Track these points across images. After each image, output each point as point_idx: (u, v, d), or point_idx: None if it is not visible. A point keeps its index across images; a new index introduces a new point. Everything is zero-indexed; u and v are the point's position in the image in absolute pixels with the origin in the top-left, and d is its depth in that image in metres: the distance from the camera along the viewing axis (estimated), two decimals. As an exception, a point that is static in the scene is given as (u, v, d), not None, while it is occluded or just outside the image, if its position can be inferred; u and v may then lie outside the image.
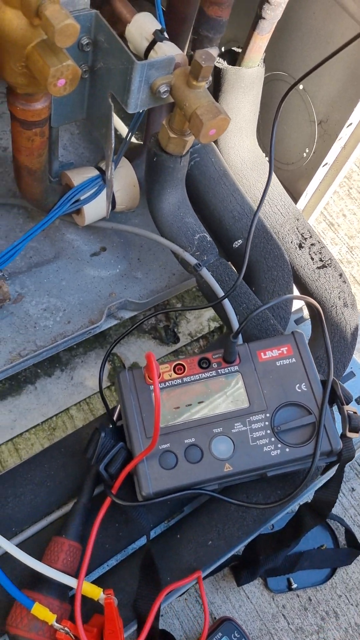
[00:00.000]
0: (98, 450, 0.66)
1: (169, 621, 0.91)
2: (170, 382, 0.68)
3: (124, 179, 0.91)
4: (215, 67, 0.88)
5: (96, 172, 0.86)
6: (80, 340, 0.92)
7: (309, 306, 0.86)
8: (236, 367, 0.68)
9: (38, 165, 0.76)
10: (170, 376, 0.68)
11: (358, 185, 1.53)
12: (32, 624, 0.60)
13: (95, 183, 0.85)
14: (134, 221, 1.02)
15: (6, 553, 0.64)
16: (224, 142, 0.94)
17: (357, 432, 0.67)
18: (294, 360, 0.68)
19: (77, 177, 0.85)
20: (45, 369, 0.97)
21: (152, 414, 0.65)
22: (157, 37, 0.71)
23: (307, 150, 1.01)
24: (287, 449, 0.64)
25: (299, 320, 1.01)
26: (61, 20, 0.49)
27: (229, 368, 0.68)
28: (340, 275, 0.89)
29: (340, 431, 0.67)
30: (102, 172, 0.86)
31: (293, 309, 0.93)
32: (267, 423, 0.65)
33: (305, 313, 1.02)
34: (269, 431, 0.65)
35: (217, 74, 0.89)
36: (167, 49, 0.72)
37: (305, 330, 0.96)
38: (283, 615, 0.95)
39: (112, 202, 0.91)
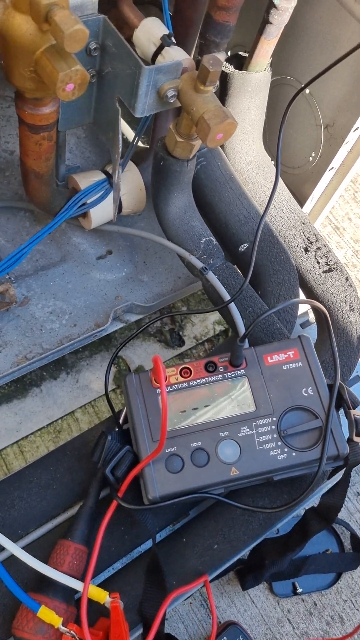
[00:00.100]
0: (104, 453, 0.66)
1: (174, 625, 0.91)
2: (176, 385, 0.68)
3: (131, 182, 0.92)
4: (222, 72, 0.88)
5: (103, 176, 0.86)
6: (86, 343, 0.93)
7: (315, 310, 0.86)
8: (243, 371, 0.68)
9: (45, 169, 0.76)
10: (177, 380, 0.68)
11: (363, 189, 1.53)
12: (38, 627, 0.60)
13: (101, 187, 0.85)
14: (140, 225, 1.02)
15: (12, 556, 0.64)
16: (230, 146, 0.94)
17: (364, 436, 0.67)
18: (300, 364, 0.68)
19: (84, 180, 0.85)
20: (51, 372, 0.97)
21: (158, 417, 0.65)
22: (164, 42, 0.72)
23: (313, 154, 1.01)
24: (294, 453, 0.64)
25: (305, 324, 1.01)
26: (70, 25, 0.49)
27: (236, 372, 0.68)
28: (347, 279, 0.89)
29: (347, 435, 0.67)
30: (109, 176, 0.86)
31: (299, 313, 0.93)
32: (273, 427, 0.65)
33: (311, 317, 1.02)
34: (275, 435, 0.65)
35: (224, 78, 0.89)
36: (174, 54, 0.72)
37: (311, 334, 0.96)
38: (288, 619, 0.94)
39: (119, 205, 0.91)
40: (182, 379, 0.68)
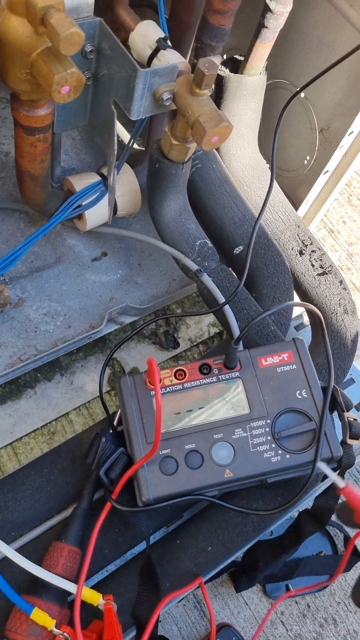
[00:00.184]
0: (98, 455, 0.66)
1: (167, 627, 0.91)
2: (171, 387, 0.68)
3: (126, 184, 0.92)
4: (218, 75, 0.88)
5: (98, 178, 0.86)
6: (81, 345, 0.93)
7: (310, 313, 0.87)
8: (237, 373, 0.68)
9: (40, 170, 0.76)
10: (171, 382, 0.68)
11: (358, 192, 1.54)
12: (31, 629, 0.60)
13: (97, 189, 0.85)
14: (135, 227, 1.02)
15: (6, 558, 0.64)
16: (225, 149, 0.95)
17: (357, 438, 0.67)
18: (294, 366, 0.69)
19: (79, 182, 0.85)
20: (45, 374, 0.97)
21: (152, 419, 0.65)
22: (160, 45, 0.72)
23: (308, 158, 1.01)
24: (288, 456, 0.65)
25: (299, 327, 1.01)
26: (66, 28, 0.49)
27: (230, 374, 0.68)
28: (341, 282, 0.89)
29: (340, 438, 0.67)
30: (104, 178, 0.86)
31: (293, 316, 0.93)
32: (267, 429, 0.66)
33: (306, 319, 1.02)
34: (269, 437, 0.65)
35: (220, 81, 0.89)
36: (170, 57, 0.72)
37: (306, 336, 0.97)
38: (281, 621, 0.94)
39: (114, 207, 0.91)
40: (177, 381, 0.68)
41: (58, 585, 0.62)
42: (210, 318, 1.08)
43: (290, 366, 0.69)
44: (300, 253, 0.91)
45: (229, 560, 0.73)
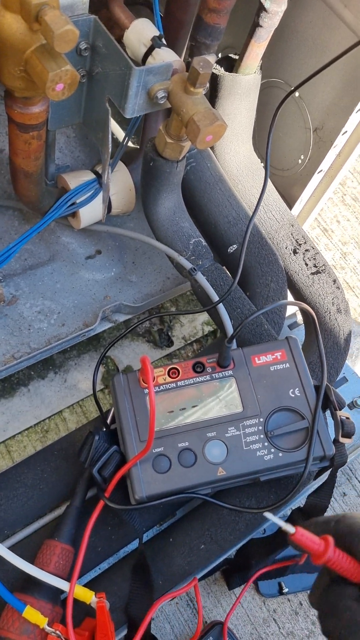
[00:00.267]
0: (92, 453, 0.66)
1: (160, 625, 0.91)
2: (164, 385, 0.68)
3: (120, 182, 0.92)
4: (212, 74, 0.88)
5: (92, 176, 0.86)
6: (75, 343, 0.93)
7: (303, 312, 0.87)
8: (230, 372, 0.68)
9: (34, 168, 0.76)
10: (165, 380, 0.68)
11: (352, 192, 1.54)
12: (23, 627, 0.60)
13: (91, 186, 0.85)
14: (130, 225, 1.02)
15: (-2, 556, 0.64)
16: (220, 148, 0.95)
17: (349, 437, 0.68)
18: (287, 365, 0.69)
19: (73, 180, 0.85)
20: (39, 372, 0.97)
21: (146, 417, 0.65)
22: (155, 43, 0.72)
23: (302, 157, 1.01)
24: (280, 454, 0.65)
25: (293, 326, 1.02)
26: (61, 25, 0.49)
27: (223, 372, 0.68)
28: (334, 281, 0.89)
29: (333, 436, 0.68)
30: (98, 176, 0.86)
31: (287, 314, 0.94)
32: (260, 428, 0.66)
33: (299, 318, 1.02)
34: (262, 436, 0.65)
35: (214, 80, 0.89)
36: (165, 55, 0.72)
37: (299, 335, 0.97)
38: (274, 619, 0.95)
39: (108, 205, 0.91)
40: (170, 380, 0.68)
41: (51, 583, 0.62)
42: (204, 316, 1.09)
43: (284, 365, 0.69)
44: (294, 252, 0.91)
45: (222, 558, 0.73)
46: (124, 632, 0.66)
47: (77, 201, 0.85)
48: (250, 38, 0.84)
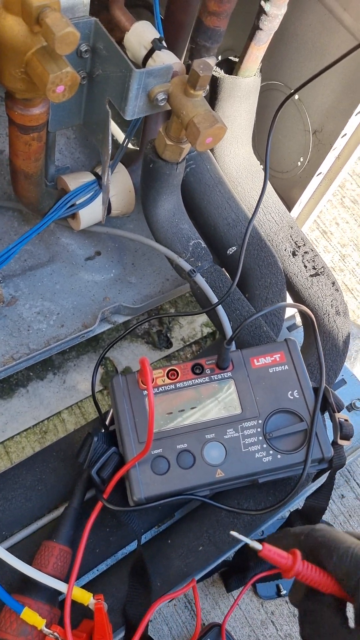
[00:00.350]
0: (90, 454, 0.66)
1: (158, 627, 0.91)
2: (163, 387, 0.68)
3: (120, 184, 0.92)
4: (212, 76, 0.88)
5: (92, 177, 0.86)
6: (74, 344, 0.93)
7: (302, 314, 0.87)
8: (229, 374, 0.68)
9: (34, 169, 0.76)
10: (164, 381, 0.68)
11: (351, 194, 1.55)
12: (21, 628, 0.60)
13: (91, 188, 0.85)
14: (129, 226, 1.02)
15: (-4, 557, 0.64)
16: (219, 150, 0.95)
17: (348, 439, 0.68)
18: (286, 367, 0.69)
19: (73, 181, 0.85)
20: (38, 372, 0.97)
21: (145, 419, 0.66)
22: (155, 46, 0.72)
23: (301, 160, 1.02)
24: (279, 456, 0.65)
25: (292, 327, 1.02)
26: (62, 28, 0.49)
27: (222, 374, 0.68)
28: (333, 283, 0.89)
29: (331, 438, 0.68)
30: (98, 177, 0.86)
31: (286, 316, 0.94)
32: (259, 429, 0.66)
33: (298, 320, 1.02)
34: (260, 438, 0.66)
35: (214, 82, 0.89)
36: (165, 58, 0.72)
37: (298, 337, 0.97)
38: (272, 621, 0.95)
39: (108, 207, 0.91)
40: (169, 381, 0.68)
41: (49, 585, 0.62)
42: (203, 318, 1.09)
43: (282, 367, 0.69)
44: (293, 254, 0.91)
45: (220, 560, 0.73)
46: (122, 634, 0.66)
47: (77, 202, 0.85)
48: (250, 41, 0.84)
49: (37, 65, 0.55)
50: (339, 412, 0.68)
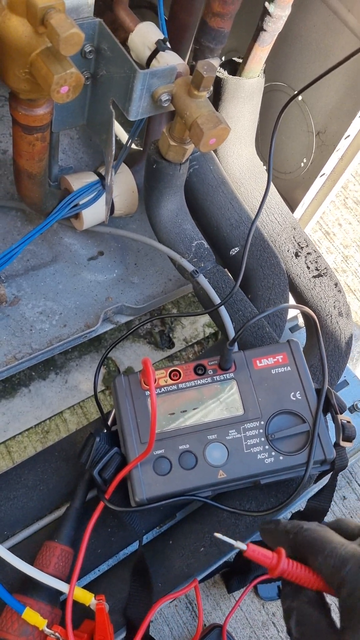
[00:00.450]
0: (92, 454, 0.66)
1: (159, 627, 0.91)
2: (165, 387, 0.68)
3: (123, 184, 0.92)
4: (216, 77, 0.88)
5: (95, 177, 0.86)
6: (76, 344, 0.93)
7: (305, 315, 0.87)
8: (231, 375, 0.68)
9: (38, 169, 0.76)
10: (166, 382, 0.68)
11: (354, 195, 1.55)
12: (22, 628, 0.60)
13: (94, 188, 0.85)
14: (132, 226, 1.02)
15: (-2, 556, 0.64)
16: (223, 151, 0.95)
17: (350, 441, 0.68)
18: (289, 368, 0.69)
19: (77, 181, 0.85)
20: (40, 372, 0.97)
21: (147, 419, 0.66)
22: (159, 47, 0.72)
23: (304, 160, 1.02)
24: (281, 457, 0.65)
25: (294, 328, 1.02)
26: (66, 29, 0.49)
27: (225, 375, 0.68)
28: (336, 284, 0.89)
29: (333, 440, 0.68)
30: (102, 178, 0.86)
31: (288, 317, 0.94)
32: (261, 431, 0.66)
33: (300, 321, 1.02)
34: (263, 439, 0.66)
35: (218, 83, 0.89)
36: (169, 59, 0.72)
37: (300, 338, 0.97)
38: (273, 623, 0.95)
39: (111, 207, 0.91)
40: (171, 382, 0.68)
41: (50, 585, 0.62)
42: (206, 318, 1.09)
43: (285, 368, 0.69)
44: (296, 255, 0.91)
45: (221, 561, 0.73)
46: (123, 634, 0.66)
47: (80, 202, 0.85)
48: (254, 42, 0.84)
49: (42, 66, 0.55)
50: (341, 413, 0.68)
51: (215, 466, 0.64)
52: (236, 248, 0.89)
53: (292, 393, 0.68)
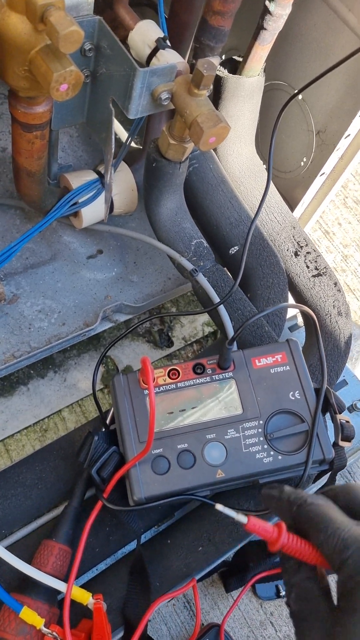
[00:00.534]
0: (90, 453, 0.66)
1: (157, 627, 0.91)
2: (164, 387, 0.68)
3: (123, 183, 0.92)
4: (216, 75, 0.88)
5: (95, 176, 0.86)
6: (75, 342, 0.93)
7: (304, 314, 0.87)
8: (230, 374, 0.68)
9: (37, 167, 0.76)
10: (165, 381, 0.68)
11: (354, 194, 1.54)
12: (20, 627, 0.60)
13: (93, 186, 0.85)
14: (131, 225, 1.02)
15: (-4, 555, 0.63)
16: (222, 150, 0.95)
17: (349, 441, 0.67)
18: (288, 368, 0.69)
19: (76, 180, 0.85)
20: (39, 370, 0.96)
21: (145, 418, 0.65)
22: (159, 45, 0.72)
23: (304, 160, 1.01)
24: (280, 457, 0.65)
25: (293, 328, 1.02)
26: (66, 26, 0.49)
27: (223, 374, 0.68)
28: (335, 284, 0.89)
29: (332, 440, 0.68)
30: (101, 176, 0.86)
31: (287, 316, 0.94)
32: (260, 430, 0.66)
33: (300, 320, 1.02)
34: (261, 438, 0.65)
35: (218, 81, 0.89)
36: (169, 57, 0.72)
37: (299, 337, 0.97)
38: (271, 622, 0.95)
39: (110, 205, 0.91)
40: (170, 381, 0.68)
41: (48, 584, 0.62)
42: (205, 317, 1.09)
43: (284, 367, 0.69)
44: (296, 254, 0.91)
45: (220, 561, 0.73)
46: (121, 634, 0.66)
47: (79, 201, 0.85)
48: (255, 40, 0.84)
49: (41, 63, 0.55)
50: (340, 413, 0.68)
51: (214, 465, 0.64)
52: (235, 247, 0.89)
53: (291, 392, 0.68)
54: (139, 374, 0.67)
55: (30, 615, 0.59)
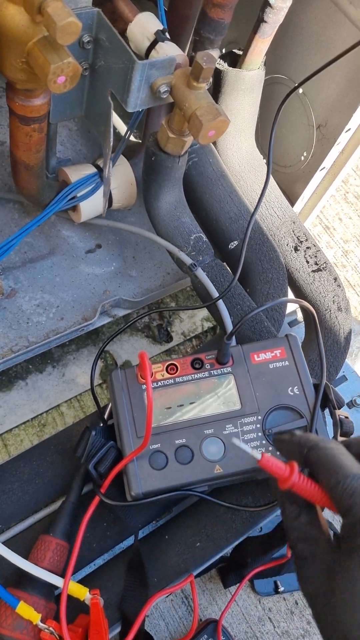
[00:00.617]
0: (88, 448, 0.66)
1: (155, 622, 0.91)
2: (162, 381, 0.67)
3: (122, 177, 0.91)
4: (216, 69, 0.88)
5: (93, 170, 0.86)
6: (73, 337, 0.92)
7: (303, 309, 0.86)
8: (229, 369, 0.68)
9: (35, 161, 0.75)
10: (163, 376, 0.68)
11: (354, 189, 1.54)
12: (16, 623, 0.60)
13: (92, 180, 0.85)
14: (130, 219, 1.02)
15: (-7, 550, 0.63)
16: (222, 144, 0.94)
17: (348, 436, 0.67)
18: (287, 363, 0.68)
19: (75, 174, 0.85)
20: (37, 365, 0.96)
21: (143, 413, 0.65)
22: (158, 37, 0.71)
23: (305, 154, 1.01)
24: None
25: (293, 323, 1.01)
26: (63, 17, 0.49)
27: (222, 369, 0.68)
28: (335, 279, 0.89)
29: (331, 435, 0.67)
30: (100, 170, 0.85)
31: (287, 312, 0.93)
32: (258, 425, 0.66)
33: (299, 316, 1.02)
34: (260, 434, 0.65)
35: (217, 75, 0.89)
36: (168, 49, 0.72)
37: (299, 332, 0.97)
38: (269, 618, 0.95)
39: (109, 199, 0.90)
40: (168, 376, 0.68)
41: (45, 579, 0.62)
42: (204, 312, 1.08)
43: (283, 362, 0.69)
44: (295, 249, 0.90)
45: (218, 556, 0.73)
46: (118, 629, 0.66)
47: (78, 195, 0.85)
48: (255, 34, 0.83)
49: (39, 55, 0.54)
50: (339, 409, 0.68)
51: (212, 461, 0.64)
52: (235, 242, 0.88)
53: (290, 388, 0.67)
54: (137, 369, 0.67)
55: (27, 611, 0.59)
